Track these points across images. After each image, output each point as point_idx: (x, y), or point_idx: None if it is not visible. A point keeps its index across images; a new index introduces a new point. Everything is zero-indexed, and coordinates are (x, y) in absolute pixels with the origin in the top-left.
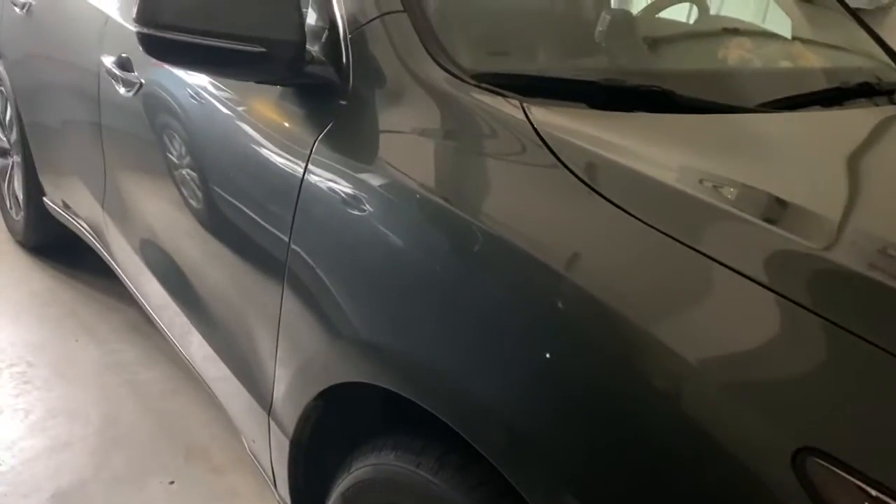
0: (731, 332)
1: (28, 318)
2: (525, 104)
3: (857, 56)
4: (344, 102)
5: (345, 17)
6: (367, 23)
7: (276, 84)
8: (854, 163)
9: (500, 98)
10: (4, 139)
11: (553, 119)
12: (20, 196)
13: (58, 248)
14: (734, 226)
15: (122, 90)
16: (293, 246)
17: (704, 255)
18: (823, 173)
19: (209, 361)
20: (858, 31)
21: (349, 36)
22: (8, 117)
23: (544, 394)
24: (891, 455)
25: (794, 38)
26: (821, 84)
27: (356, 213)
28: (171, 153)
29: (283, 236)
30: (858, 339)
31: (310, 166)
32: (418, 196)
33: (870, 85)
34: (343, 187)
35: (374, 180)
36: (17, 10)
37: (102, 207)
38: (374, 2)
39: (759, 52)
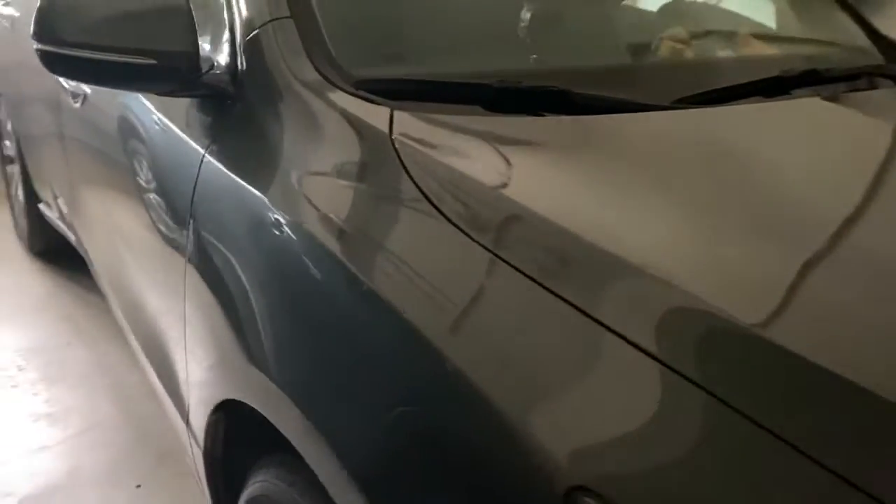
0: (539, 357)
1: (24, 321)
2: (394, 113)
3: (823, 43)
4: (236, 108)
5: (240, 24)
6: (258, 29)
7: (173, 96)
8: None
9: (368, 105)
10: (10, 149)
11: (418, 131)
12: (22, 202)
13: (60, 252)
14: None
15: (71, 101)
16: (189, 262)
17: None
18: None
19: (151, 374)
20: (837, 12)
21: (242, 42)
22: (9, 127)
23: (378, 437)
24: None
25: (747, 26)
26: (755, 74)
27: (236, 231)
28: (109, 162)
29: (181, 251)
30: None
31: (199, 181)
32: (290, 216)
33: (817, 72)
34: (225, 202)
35: (250, 196)
36: (5, 23)
37: (72, 214)
38: (266, 8)
39: (694, 44)
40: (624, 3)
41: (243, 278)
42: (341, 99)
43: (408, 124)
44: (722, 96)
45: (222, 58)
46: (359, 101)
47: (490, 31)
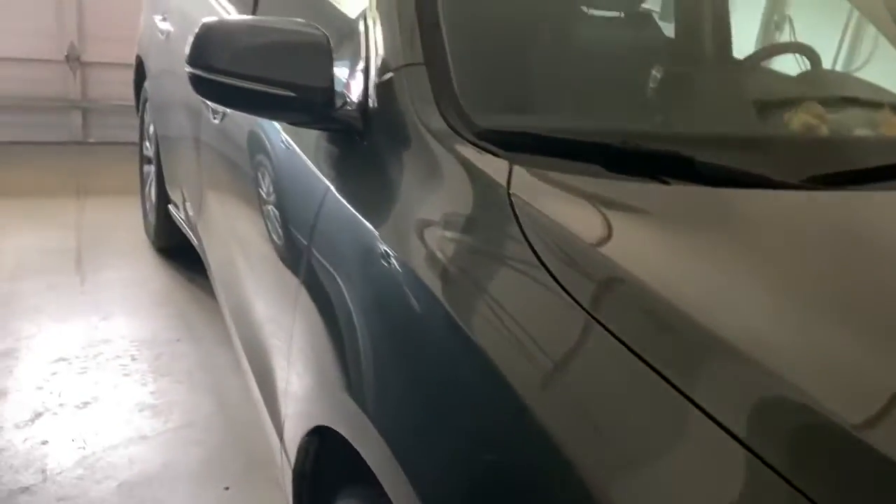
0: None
1: (143, 315)
2: (513, 167)
3: None
4: (363, 146)
5: (375, 67)
6: (392, 73)
7: (305, 127)
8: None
9: (489, 157)
10: (149, 150)
11: (537, 188)
12: (154, 202)
13: (180, 251)
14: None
15: (211, 117)
16: (303, 282)
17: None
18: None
19: (249, 377)
20: None
21: (375, 83)
22: (151, 130)
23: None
24: None
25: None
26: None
27: (349, 263)
28: (240, 176)
29: (296, 271)
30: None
31: (322, 210)
32: (403, 260)
33: None
34: (343, 234)
35: (367, 231)
36: (160, 35)
37: (198, 220)
38: (400, 53)
39: (831, 117)
40: (760, 67)
41: (351, 309)
42: (464, 148)
43: (526, 180)
44: (859, 178)
45: (355, 96)
46: (480, 151)
47: (617, 88)
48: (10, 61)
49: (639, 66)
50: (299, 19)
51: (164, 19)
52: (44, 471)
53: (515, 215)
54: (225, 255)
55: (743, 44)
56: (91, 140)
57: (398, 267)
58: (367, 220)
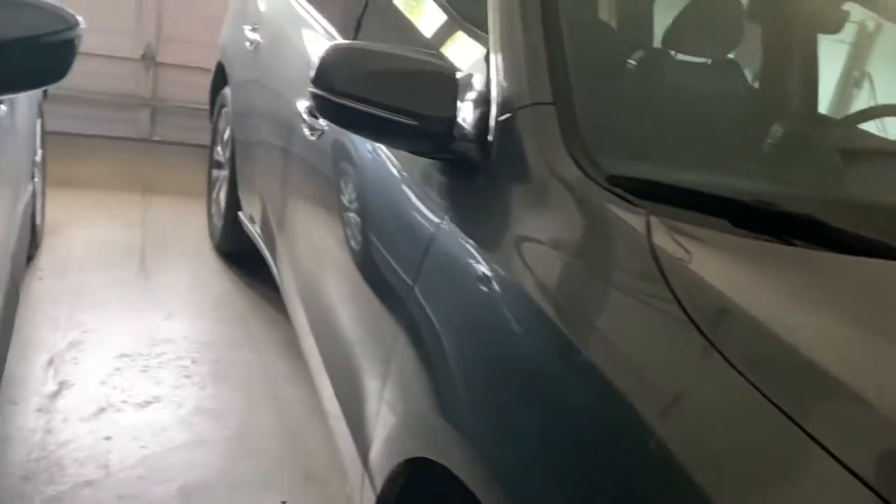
0: None
1: (204, 317)
2: (651, 218)
3: None
4: (481, 182)
5: (498, 102)
6: (517, 110)
7: (421, 155)
8: None
9: (625, 205)
10: (221, 154)
11: (678, 241)
12: (222, 207)
13: (243, 256)
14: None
15: (307, 133)
16: (410, 308)
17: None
18: None
19: (328, 394)
20: None
21: (498, 119)
22: (227, 136)
23: None
24: None
25: None
26: None
27: (466, 293)
28: (336, 197)
29: (404, 297)
30: None
31: (437, 237)
32: (525, 298)
33: None
34: (461, 266)
35: (490, 269)
36: (248, 45)
37: (278, 232)
38: (528, 91)
39: None
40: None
41: (465, 345)
42: (596, 195)
43: (667, 233)
44: None
45: (475, 128)
46: (614, 198)
47: (743, 141)
48: (89, 56)
49: (765, 119)
50: (425, 49)
51: (254, 30)
52: (106, 466)
53: (660, 268)
54: (310, 273)
55: (834, 102)
56: (156, 138)
57: (521, 305)
58: (486, 257)
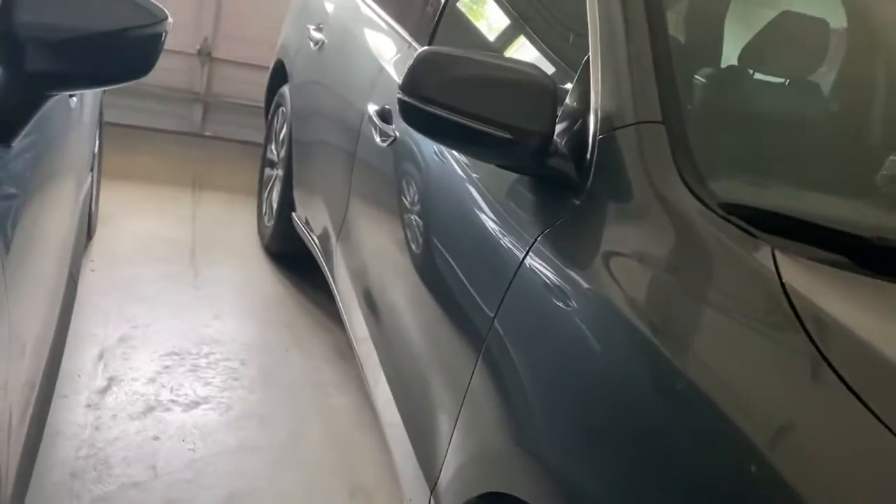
0: None
1: (253, 319)
2: (776, 253)
3: None
4: (577, 202)
5: (598, 118)
6: (621, 128)
7: (514, 171)
8: None
9: (747, 238)
10: (275, 153)
11: (811, 281)
12: (274, 207)
13: (293, 258)
14: None
15: (377, 138)
16: (496, 324)
17: None
18: None
19: (389, 407)
20: None
21: (599, 137)
22: (282, 135)
23: None
24: None
25: None
26: None
27: (563, 316)
28: (407, 206)
29: (489, 312)
30: None
31: (530, 255)
32: (627, 323)
33: None
34: (557, 287)
35: (589, 292)
36: (311, 44)
37: (337, 236)
38: (633, 108)
39: None
40: None
41: (556, 375)
42: (712, 223)
43: (796, 270)
44: None
45: (572, 145)
46: (733, 229)
47: (869, 170)
48: None
49: (886, 146)
50: (522, 59)
51: (319, 29)
52: (154, 468)
53: (794, 309)
54: (373, 283)
55: None
56: (207, 133)
57: (623, 336)
58: (582, 284)
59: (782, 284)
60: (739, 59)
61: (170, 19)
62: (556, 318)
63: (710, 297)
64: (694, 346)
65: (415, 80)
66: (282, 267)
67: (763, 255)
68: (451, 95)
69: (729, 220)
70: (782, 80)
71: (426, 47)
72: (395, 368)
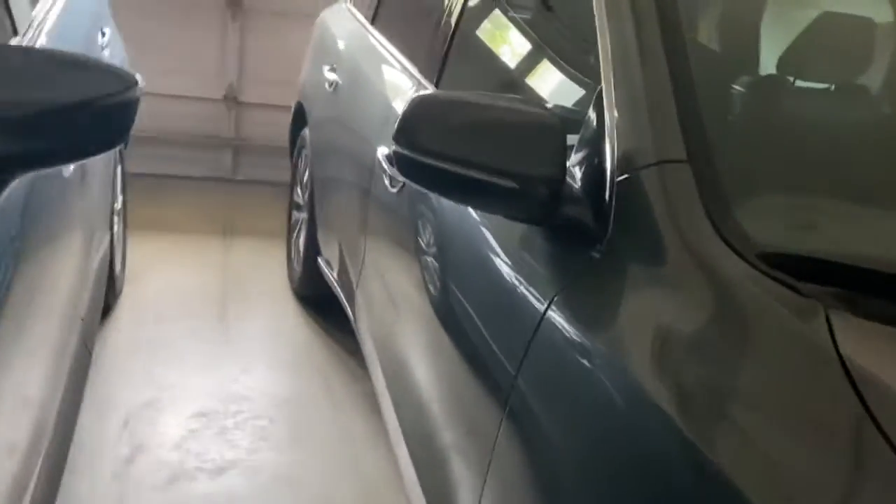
0: None
1: (283, 370)
2: (830, 314)
3: None
4: (597, 255)
5: (615, 157)
6: (640, 169)
7: (524, 223)
8: None
9: (793, 297)
10: (300, 196)
11: (871, 349)
12: (301, 250)
13: (325, 301)
14: None
15: (387, 184)
16: (519, 381)
17: None
18: None
19: (409, 467)
20: None
21: (617, 179)
22: (306, 178)
23: None
24: None
25: None
26: None
27: (585, 379)
28: (422, 255)
29: (510, 369)
30: None
31: (549, 312)
32: (652, 400)
33: None
34: (579, 350)
35: (613, 360)
36: (327, 85)
37: (356, 283)
38: (653, 146)
39: None
40: None
41: (581, 445)
42: (748, 276)
43: (855, 337)
44: None
45: (588, 190)
46: (773, 284)
47: None
48: (172, 98)
49: None
50: (528, 95)
51: (333, 70)
52: None
53: (854, 387)
54: (389, 335)
55: None
56: (239, 178)
57: (649, 406)
58: (605, 347)
59: (839, 356)
60: (772, 75)
61: (141, 84)
62: (578, 386)
63: (748, 367)
64: (730, 430)
65: (408, 129)
66: (313, 311)
67: (814, 318)
68: (448, 144)
69: (769, 275)
70: (825, 95)
71: (419, 93)
72: (413, 428)
